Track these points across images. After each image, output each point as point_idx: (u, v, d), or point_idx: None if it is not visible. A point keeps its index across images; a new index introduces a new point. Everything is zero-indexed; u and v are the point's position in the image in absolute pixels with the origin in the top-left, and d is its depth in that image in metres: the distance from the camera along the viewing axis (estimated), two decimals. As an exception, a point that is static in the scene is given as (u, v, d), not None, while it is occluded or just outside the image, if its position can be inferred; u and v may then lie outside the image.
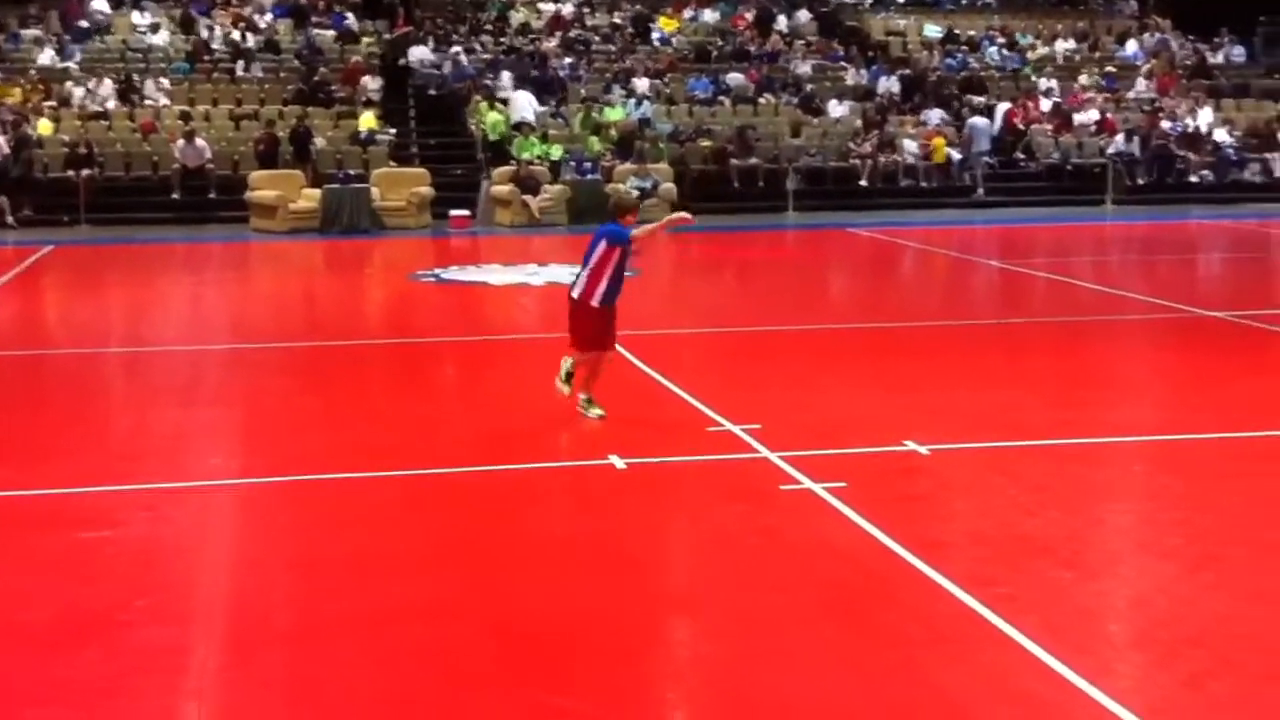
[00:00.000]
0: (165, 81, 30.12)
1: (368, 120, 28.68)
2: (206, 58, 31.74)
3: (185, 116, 28.14)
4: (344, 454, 9.52)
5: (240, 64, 31.42)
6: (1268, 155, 30.84)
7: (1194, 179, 30.47)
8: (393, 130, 29.22)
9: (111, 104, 29.09)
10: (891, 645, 6.11)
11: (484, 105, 28.80)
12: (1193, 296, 17.23)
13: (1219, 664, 5.86)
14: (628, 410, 10.56)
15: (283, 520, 8.16)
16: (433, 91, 31.15)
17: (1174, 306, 15.96)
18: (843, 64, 34.16)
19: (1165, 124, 31.01)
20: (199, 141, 26.89)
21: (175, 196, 26.82)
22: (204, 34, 32.67)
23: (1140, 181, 30.12)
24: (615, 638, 6.29)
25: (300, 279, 21.05)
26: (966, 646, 6.11)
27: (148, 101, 29.39)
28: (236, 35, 32.65)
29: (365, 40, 32.91)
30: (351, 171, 26.64)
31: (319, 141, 27.80)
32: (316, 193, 25.76)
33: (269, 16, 34.00)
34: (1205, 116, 31.82)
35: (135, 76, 30.16)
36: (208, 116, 29.06)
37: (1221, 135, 31.18)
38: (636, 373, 12.04)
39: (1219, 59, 36.31)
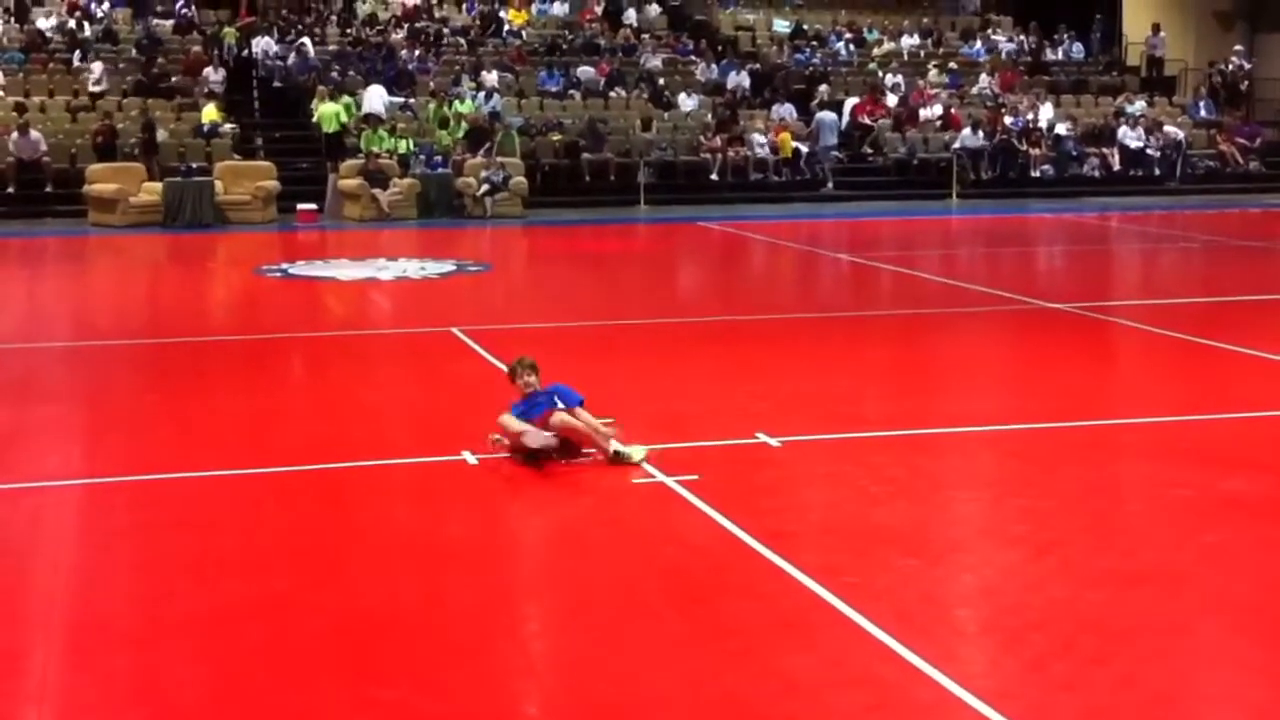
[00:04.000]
0: (-1, 72, 29.26)
1: (210, 113, 28.11)
2: (42, 48, 30.87)
3: (20, 108, 27.32)
4: (186, 453, 9.32)
5: (77, 54, 30.61)
6: (1105, 150, 31.66)
7: (1035, 174, 31.18)
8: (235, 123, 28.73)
9: (-58, 95, 28.18)
10: (737, 634, 6.14)
11: (319, 97, 28.32)
12: (1033, 288, 17.61)
13: (1060, 647, 5.98)
14: (481, 405, 10.48)
15: (122, 521, 7.95)
16: (277, 84, 30.67)
17: (1015, 298, 16.29)
18: (692, 58, 34.32)
19: (1007, 120, 31.67)
20: (34, 134, 26.15)
21: (10, 190, 26.04)
22: (39, 23, 31.77)
23: (984, 176, 30.73)
24: (454, 632, 6.24)
25: (142, 274, 20.59)
26: (813, 634, 6.16)
27: (-20, 93, 28.51)
28: (73, 25, 31.80)
29: (227, 30, 32.13)
30: (194, 165, 26.11)
31: (160, 134, 27.19)
32: (158, 186, 25.18)
33: (106, 6, 33.18)
34: (1046, 112, 32.56)
35: (-34, 67, 29.26)
36: (43, 108, 28.26)
37: (1061, 130, 31.93)
38: (489, 367, 11.97)
39: (1058, 56, 37.17)
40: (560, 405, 8.96)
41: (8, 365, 12.92)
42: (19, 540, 7.63)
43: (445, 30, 34.42)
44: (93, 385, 11.85)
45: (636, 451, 8.79)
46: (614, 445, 8.77)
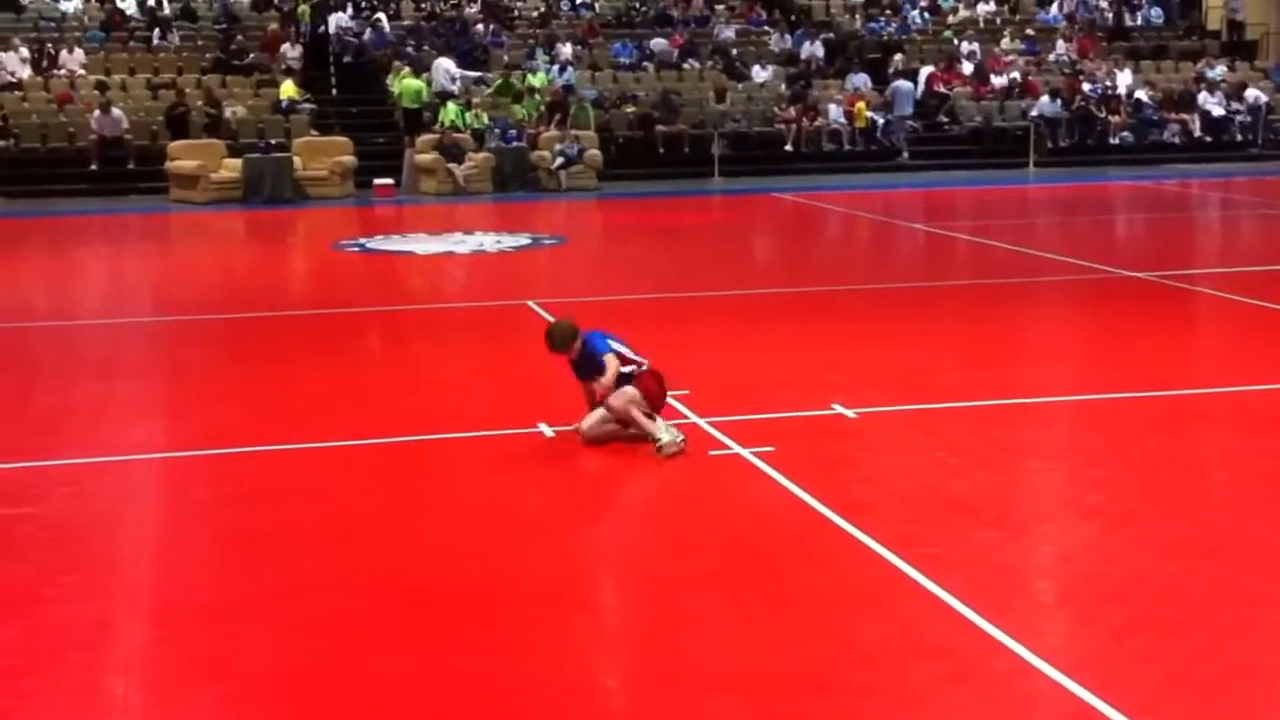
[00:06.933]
0: (80, 51, 29.59)
1: (288, 89, 28.35)
2: (121, 26, 31.25)
3: (101, 86, 27.67)
4: (266, 426, 9.46)
5: (156, 32, 30.95)
6: (1186, 116, 31.20)
7: (1114, 141, 30.78)
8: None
9: (25, 74, 28.55)
10: (814, 605, 6.16)
11: (404, 72, 28.49)
12: (1113, 257, 17.41)
13: (1138, 618, 5.95)
14: (556, 378, 10.53)
15: (204, 494, 8.09)
16: (347, 59, 30.85)
17: (1094, 267, 16.12)
18: (766, 28, 34.16)
19: (1086, 86, 31.27)
20: (115, 111, 26.48)
21: (93, 168, 26.41)
22: (119, 1, 32.14)
23: (1062, 144, 30.38)
24: (531, 602, 6.30)
25: (223, 250, 20.83)
26: (890, 605, 6.17)
27: (62, 71, 28.88)
28: (152, 2, 32.15)
29: (303, 8, 32.27)
30: (273, 141, 26.34)
31: (239, 110, 27.47)
32: (237, 163, 25.45)
33: (185, -16, 33.52)
34: (1125, 78, 32.13)
35: (49, 46, 29.65)
36: (124, 86, 28.60)
37: (1141, 96, 31.49)
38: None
39: (1137, 21, 36.63)
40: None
41: (94, 341, 13.15)
42: (104, 512, 7.77)
43: (519, 3, 34.45)
44: (175, 360, 12.02)
45: (667, 439, 8.41)
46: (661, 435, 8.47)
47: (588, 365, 8.89)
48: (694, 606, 6.22)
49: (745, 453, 8.42)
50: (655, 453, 8.38)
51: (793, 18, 34.77)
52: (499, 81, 29.19)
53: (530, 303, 13.89)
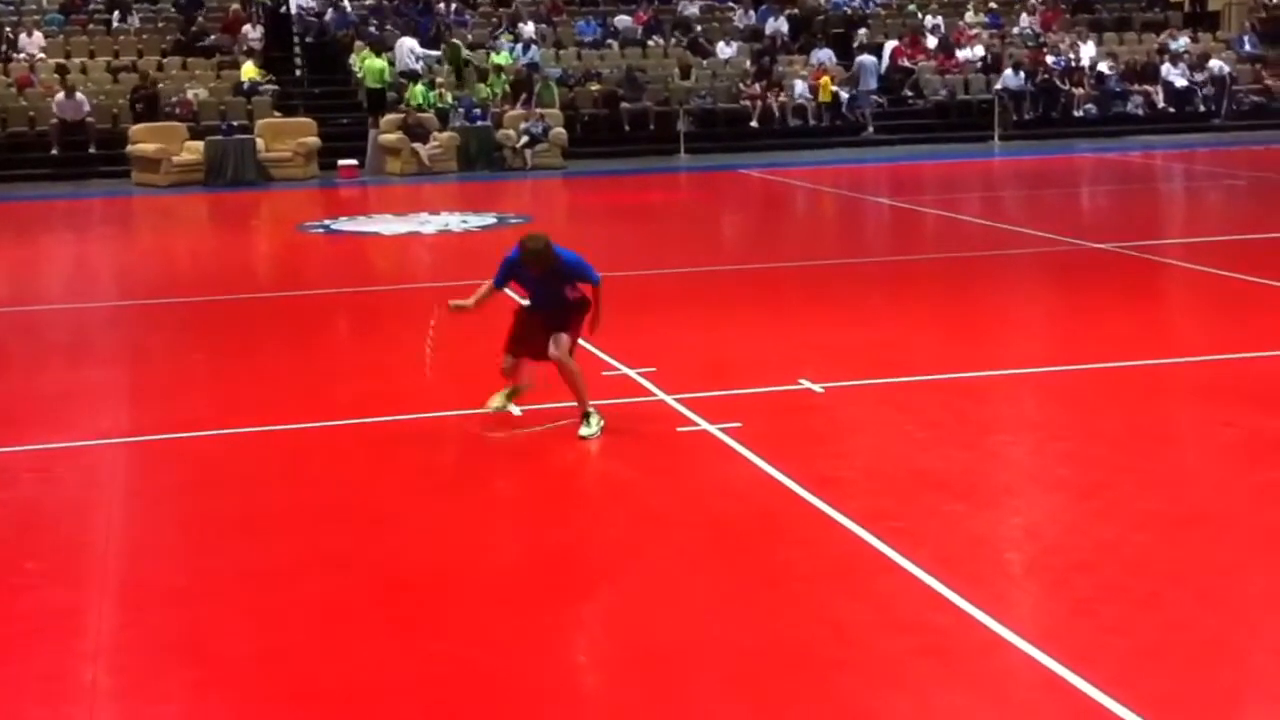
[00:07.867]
0: (39, 34, 29.33)
1: (249, 70, 28.16)
2: (81, 9, 30.96)
3: (62, 70, 27.44)
4: (233, 410, 9.40)
5: (116, 15, 30.69)
6: (1149, 87, 31.31)
7: (1078, 113, 30.86)
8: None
9: (-17, 58, 28.32)
10: (786, 582, 6.16)
11: (365, 52, 28.32)
12: (1078, 229, 17.46)
13: (1107, 589, 5.98)
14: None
15: (172, 478, 8.05)
16: (309, 39, 30.66)
17: (1060, 239, 16.17)
18: (730, 5, 34.09)
19: (1049, 59, 31.33)
20: (78, 95, 26.25)
21: (54, 152, 26.17)
22: (78, -16, 31.86)
23: (1026, 116, 30.45)
24: (504, 583, 6.29)
25: (186, 233, 20.70)
26: (861, 580, 6.18)
27: (22, 55, 28.62)
28: (112, -16, 31.88)
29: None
30: (235, 123, 26.17)
31: (200, 93, 27.27)
32: (200, 145, 25.28)
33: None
34: (1088, 51, 32.20)
35: (8, 29, 29.36)
36: (84, 69, 28.37)
37: (1104, 69, 31.58)
38: (530, 319, 11.96)
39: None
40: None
41: (59, 325, 13.05)
42: (72, 498, 7.72)
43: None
44: (141, 344, 11.94)
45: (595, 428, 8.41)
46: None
47: (558, 280, 8.82)
48: (666, 583, 6.22)
49: (713, 429, 8.42)
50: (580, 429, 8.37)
51: (756, -7, 34.68)
52: (444, 48, 29.03)
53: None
